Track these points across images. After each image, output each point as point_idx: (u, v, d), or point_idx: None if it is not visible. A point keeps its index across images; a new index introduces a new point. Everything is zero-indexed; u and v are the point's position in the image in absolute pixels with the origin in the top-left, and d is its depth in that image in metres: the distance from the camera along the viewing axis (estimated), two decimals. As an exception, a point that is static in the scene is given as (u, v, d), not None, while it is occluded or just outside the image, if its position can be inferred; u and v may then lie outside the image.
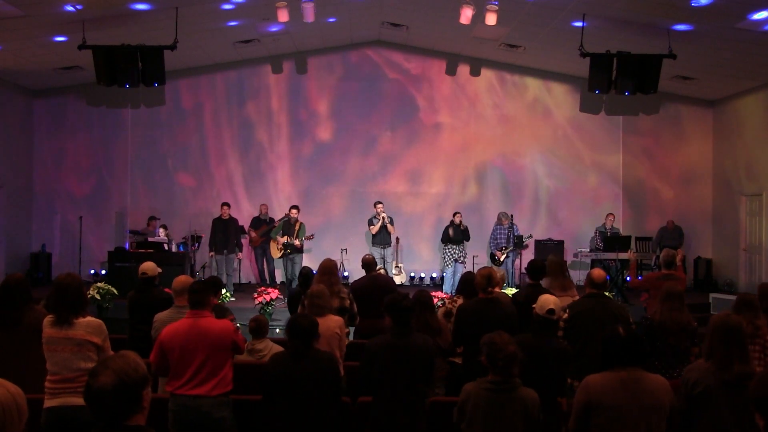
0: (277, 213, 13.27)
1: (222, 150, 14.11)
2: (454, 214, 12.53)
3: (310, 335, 4.14)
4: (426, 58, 14.10)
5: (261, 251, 13.01)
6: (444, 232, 12.56)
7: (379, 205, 12.40)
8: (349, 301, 6.29)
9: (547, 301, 4.60)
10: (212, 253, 12.34)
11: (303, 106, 14.15)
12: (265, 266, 13.04)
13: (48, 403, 4.10)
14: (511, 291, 9.61)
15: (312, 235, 12.18)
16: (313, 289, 5.32)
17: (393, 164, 14.15)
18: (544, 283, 6.17)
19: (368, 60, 14.19)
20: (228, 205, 12.53)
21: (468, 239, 12.52)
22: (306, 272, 7.15)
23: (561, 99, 14.15)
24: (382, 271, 9.46)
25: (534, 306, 4.66)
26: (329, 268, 6.34)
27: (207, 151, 14.12)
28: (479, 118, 14.18)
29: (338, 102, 14.14)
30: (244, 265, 13.45)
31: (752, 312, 5.07)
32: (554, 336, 4.56)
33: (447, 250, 12.40)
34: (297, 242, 11.77)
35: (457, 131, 14.16)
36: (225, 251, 12.21)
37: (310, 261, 12.05)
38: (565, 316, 5.28)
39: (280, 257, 12.12)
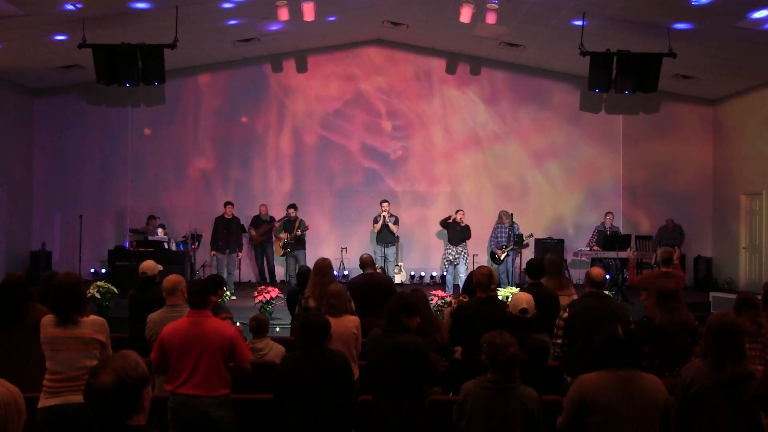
0: (277, 213, 13.26)
1: (221, 149, 14.10)
2: (456, 212, 12.26)
3: (322, 334, 4.14)
4: (425, 57, 14.11)
5: (261, 250, 13.02)
6: (442, 222, 12.34)
7: (384, 204, 12.35)
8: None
9: (520, 300, 4.58)
10: (213, 252, 12.36)
11: (304, 105, 14.13)
12: (265, 265, 13.05)
13: (49, 401, 4.09)
14: (511, 290, 9.63)
15: (307, 227, 12.45)
16: (331, 289, 5.31)
17: (395, 165, 14.18)
18: (542, 282, 6.15)
19: (367, 60, 14.18)
20: (231, 204, 12.55)
21: (468, 237, 12.21)
22: (304, 271, 7.15)
23: (561, 98, 14.13)
24: (379, 270, 9.44)
25: (508, 305, 4.65)
26: (323, 267, 6.33)
27: (206, 150, 14.10)
28: (478, 118, 14.21)
29: (337, 102, 14.14)
30: (244, 264, 13.45)
31: (753, 310, 5.06)
32: (529, 334, 4.55)
33: (446, 253, 12.30)
34: (298, 232, 12.20)
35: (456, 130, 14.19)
36: (227, 250, 12.26)
37: (312, 260, 12.02)
38: (565, 315, 5.28)
39: (282, 255, 12.41)
